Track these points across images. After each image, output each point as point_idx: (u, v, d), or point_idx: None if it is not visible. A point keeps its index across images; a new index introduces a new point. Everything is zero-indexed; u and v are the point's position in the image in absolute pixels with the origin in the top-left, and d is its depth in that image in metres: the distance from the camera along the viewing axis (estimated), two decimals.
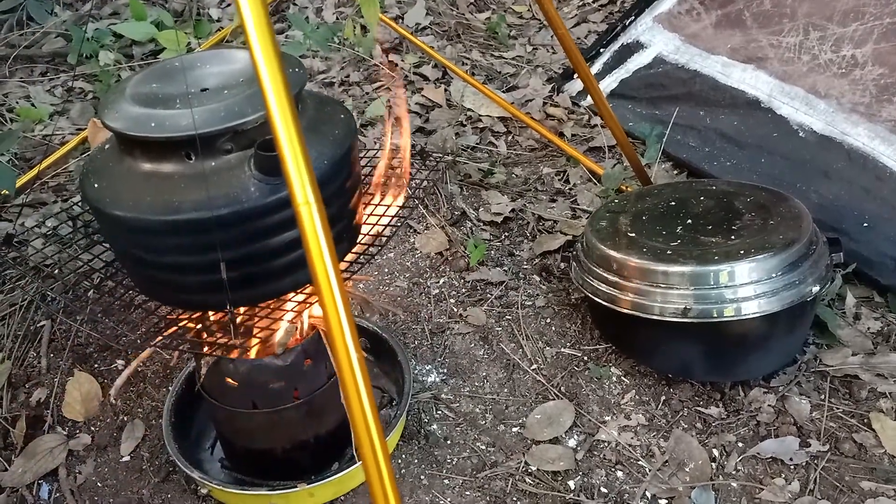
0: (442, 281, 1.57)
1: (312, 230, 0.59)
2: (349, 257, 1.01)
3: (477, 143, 2.00)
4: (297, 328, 1.06)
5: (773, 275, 1.15)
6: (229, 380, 1.03)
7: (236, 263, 0.82)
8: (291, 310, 0.95)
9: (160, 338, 0.95)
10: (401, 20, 2.63)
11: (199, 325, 0.98)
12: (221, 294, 0.83)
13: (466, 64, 2.39)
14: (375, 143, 1.98)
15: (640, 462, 1.18)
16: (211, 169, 0.80)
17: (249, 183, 0.79)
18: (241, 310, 0.96)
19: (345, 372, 0.61)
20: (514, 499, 1.14)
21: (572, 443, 1.22)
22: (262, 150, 0.77)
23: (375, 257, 1.02)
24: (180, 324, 0.98)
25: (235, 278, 0.83)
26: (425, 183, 1.18)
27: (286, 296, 0.94)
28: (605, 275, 1.26)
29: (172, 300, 0.93)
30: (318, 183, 0.83)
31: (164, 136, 0.79)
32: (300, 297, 0.97)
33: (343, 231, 0.94)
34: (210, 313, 0.97)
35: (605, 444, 1.21)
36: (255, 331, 0.93)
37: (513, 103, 2.07)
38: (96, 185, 0.86)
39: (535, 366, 1.36)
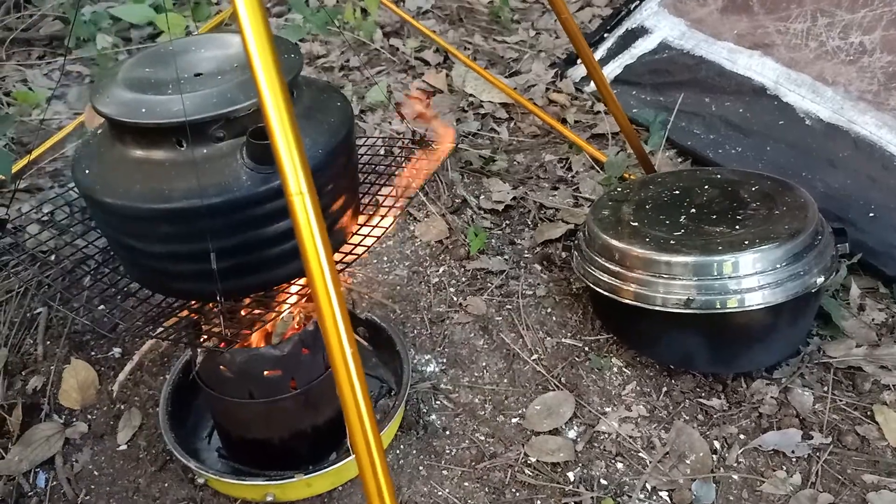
0: (442, 269, 1.56)
1: (306, 221, 0.57)
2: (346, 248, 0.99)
3: (478, 130, 1.98)
4: (294, 318, 1.05)
5: (778, 265, 1.13)
6: (224, 369, 1.01)
7: (228, 253, 0.81)
8: (285, 300, 0.94)
9: (159, 329, 0.94)
10: (402, 3, 2.60)
11: (195, 315, 0.97)
12: (213, 283, 0.81)
13: (468, 48, 2.36)
14: (376, 128, 1.96)
15: (640, 454, 1.17)
16: (202, 156, 0.78)
17: (241, 171, 0.77)
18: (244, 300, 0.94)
19: (338, 366, 0.60)
20: (513, 490, 1.13)
21: (572, 434, 1.21)
22: (255, 139, 0.75)
23: (374, 246, 1.00)
24: (176, 313, 0.96)
25: (227, 268, 0.81)
26: (425, 171, 1.16)
27: (281, 286, 0.93)
28: (606, 265, 1.24)
29: (164, 289, 0.92)
30: (312, 172, 0.81)
31: (155, 123, 0.77)
32: (296, 287, 0.95)
33: (337, 221, 0.92)
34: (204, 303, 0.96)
35: (606, 435, 1.20)
36: (248, 321, 0.91)
37: (515, 89, 2.04)
38: (87, 172, 0.85)
39: (535, 356, 1.35)
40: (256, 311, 0.94)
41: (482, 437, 1.21)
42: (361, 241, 0.99)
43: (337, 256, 0.97)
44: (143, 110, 0.78)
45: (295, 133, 0.56)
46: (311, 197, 0.57)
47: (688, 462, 1.15)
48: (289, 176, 0.57)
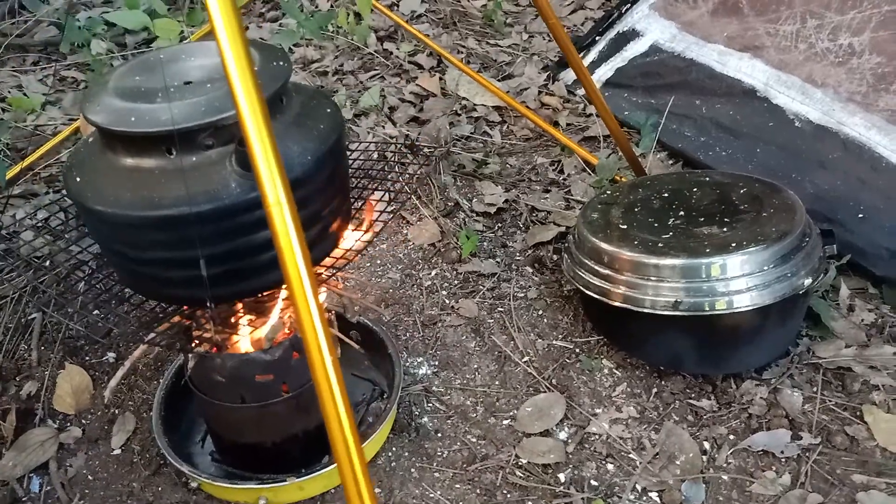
0: (434, 272, 1.57)
1: (284, 231, 0.58)
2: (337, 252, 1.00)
3: (471, 133, 1.99)
4: (284, 322, 1.05)
5: (766, 267, 1.14)
6: (216, 374, 1.02)
7: (218, 259, 0.81)
8: (275, 306, 0.95)
9: (152, 334, 0.95)
10: (396, 7, 2.61)
11: (187, 320, 0.98)
12: (204, 289, 0.82)
13: (462, 52, 2.37)
14: (369, 133, 1.97)
15: (630, 455, 1.18)
16: (191, 164, 0.79)
17: (230, 178, 0.78)
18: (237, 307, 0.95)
19: (318, 374, 0.61)
20: (505, 492, 1.13)
21: (563, 435, 1.22)
22: (243, 146, 0.76)
23: (365, 251, 1.01)
24: (169, 318, 0.97)
25: (218, 274, 0.82)
26: (417, 175, 1.17)
27: (271, 291, 0.94)
28: (596, 267, 1.25)
29: (156, 295, 0.93)
30: (302, 179, 0.82)
31: (144, 131, 0.78)
32: (286, 293, 0.96)
33: (327, 227, 0.93)
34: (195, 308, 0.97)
35: (596, 436, 1.21)
36: (238, 326, 0.92)
37: (508, 92, 2.05)
38: (79, 180, 0.85)
39: (526, 358, 1.36)
40: (247, 316, 0.94)
41: (474, 439, 1.22)
42: (352, 246, 1.00)
43: (328, 261, 0.98)
44: (133, 119, 0.79)
45: (272, 143, 0.57)
46: (290, 207, 0.58)
47: (677, 463, 1.16)
48: (266, 186, 0.58)
